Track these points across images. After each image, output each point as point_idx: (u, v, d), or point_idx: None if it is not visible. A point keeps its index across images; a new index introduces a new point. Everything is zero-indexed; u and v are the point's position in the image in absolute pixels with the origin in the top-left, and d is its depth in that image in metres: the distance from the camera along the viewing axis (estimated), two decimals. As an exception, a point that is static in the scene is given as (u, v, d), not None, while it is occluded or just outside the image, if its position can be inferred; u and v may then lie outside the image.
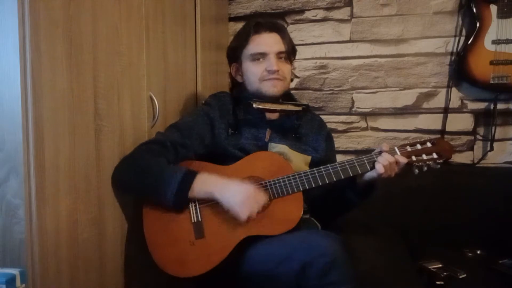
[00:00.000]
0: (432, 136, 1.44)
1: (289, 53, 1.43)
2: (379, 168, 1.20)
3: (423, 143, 1.27)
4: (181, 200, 1.19)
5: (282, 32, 1.42)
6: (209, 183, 1.20)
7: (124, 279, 1.27)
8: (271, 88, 1.38)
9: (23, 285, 0.87)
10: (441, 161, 1.26)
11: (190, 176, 1.19)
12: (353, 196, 1.31)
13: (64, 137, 1.03)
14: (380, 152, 1.24)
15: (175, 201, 1.18)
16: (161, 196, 1.19)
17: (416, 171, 1.26)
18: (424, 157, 1.25)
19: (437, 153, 1.26)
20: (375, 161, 1.23)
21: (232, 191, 1.18)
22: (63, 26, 1.02)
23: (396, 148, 1.26)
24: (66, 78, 1.03)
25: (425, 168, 1.26)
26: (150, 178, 1.20)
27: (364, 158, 1.24)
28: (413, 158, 1.25)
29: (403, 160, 1.23)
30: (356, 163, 1.24)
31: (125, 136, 1.27)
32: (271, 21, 1.45)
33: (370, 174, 1.23)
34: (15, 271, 0.86)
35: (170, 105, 1.54)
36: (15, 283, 0.85)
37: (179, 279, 1.19)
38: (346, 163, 1.24)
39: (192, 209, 1.23)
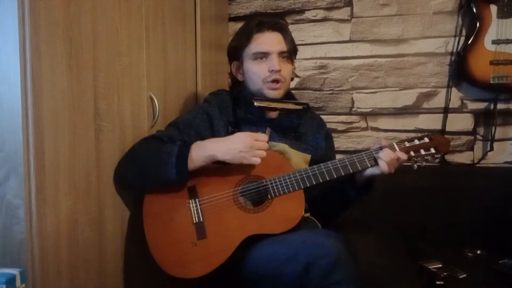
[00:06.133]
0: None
1: (291, 53, 1.42)
2: (383, 165, 1.20)
3: (420, 138, 1.28)
4: (183, 172, 1.18)
5: (284, 31, 1.42)
6: (206, 147, 1.21)
7: (124, 279, 1.27)
8: (272, 91, 1.39)
9: (23, 285, 0.87)
10: (439, 155, 1.28)
11: (185, 147, 1.21)
12: (353, 193, 1.32)
13: (64, 137, 1.03)
14: (380, 149, 1.24)
15: (177, 173, 1.17)
16: (162, 175, 1.18)
17: (415, 166, 1.27)
18: (422, 152, 1.27)
19: (434, 148, 1.27)
20: (374, 157, 1.23)
21: (232, 144, 1.20)
22: (63, 26, 1.02)
23: (395, 144, 1.27)
24: (66, 78, 1.03)
25: (424, 163, 1.27)
26: (149, 164, 1.21)
27: (364, 155, 1.24)
28: (412, 153, 1.26)
29: (403, 156, 1.23)
30: (356, 160, 1.24)
31: (125, 136, 1.27)
32: (274, 20, 1.44)
33: (372, 171, 1.24)
34: (15, 271, 0.86)
35: (170, 105, 1.54)
36: (15, 283, 0.85)
37: (180, 280, 1.19)
38: (346, 160, 1.24)
39: (194, 209, 1.23)
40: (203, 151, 1.21)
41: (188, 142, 1.31)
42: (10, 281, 0.84)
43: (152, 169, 1.20)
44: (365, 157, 1.24)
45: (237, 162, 1.21)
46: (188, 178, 1.22)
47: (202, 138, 1.35)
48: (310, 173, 1.24)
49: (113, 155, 1.22)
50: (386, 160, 1.20)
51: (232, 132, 1.36)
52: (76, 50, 1.06)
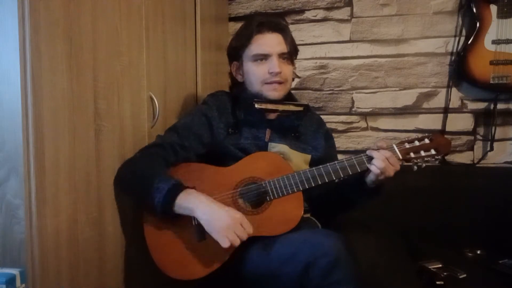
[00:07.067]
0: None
1: (291, 54, 1.42)
2: (378, 164, 1.18)
3: (421, 139, 1.27)
4: (167, 212, 1.16)
5: (285, 32, 1.41)
6: (193, 199, 1.15)
7: (124, 279, 1.27)
8: (272, 92, 1.38)
9: (23, 285, 0.87)
10: (439, 156, 1.27)
11: (176, 190, 1.15)
12: (360, 197, 1.30)
13: (64, 137, 1.03)
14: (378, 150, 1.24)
15: (162, 212, 1.16)
16: (149, 204, 1.17)
17: (415, 167, 1.26)
18: (423, 153, 1.25)
19: (435, 149, 1.26)
20: (374, 158, 1.20)
21: (216, 213, 1.13)
22: (63, 26, 1.02)
23: (394, 145, 1.26)
24: (66, 78, 1.03)
25: (424, 165, 1.26)
26: (142, 185, 1.19)
27: (363, 156, 1.23)
28: (412, 155, 1.25)
29: (397, 156, 1.22)
30: (355, 162, 1.23)
31: (125, 136, 1.27)
32: (274, 21, 1.44)
33: (369, 177, 1.22)
34: (15, 271, 0.86)
35: (170, 105, 1.54)
36: (15, 283, 0.85)
37: (180, 281, 1.19)
38: (345, 162, 1.24)
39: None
40: (187, 203, 1.15)
41: (187, 148, 1.31)
42: (10, 281, 0.84)
43: (141, 195, 1.19)
44: (364, 159, 1.23)
45: (207, 231, 1.14)
46: (172, 217, 1.19)
47: (202, 141, 1.35)
48: (309, 175, 1.23)
49: (113, 155, 1.22)
50: (379, 162, 1.18)
51: (232, 134, 1.37)
52: (76, 50, 1.06)
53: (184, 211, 1.16)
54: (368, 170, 1.21)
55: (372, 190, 1.26)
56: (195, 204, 1.15)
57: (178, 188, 1.16)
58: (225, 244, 1.10)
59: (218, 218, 1.12)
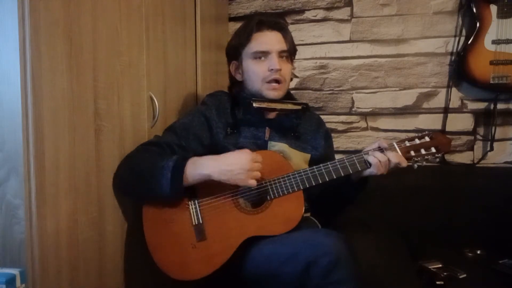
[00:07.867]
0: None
1: (291, 53, 1.42)
2: (373, 166, 1.21)
3: (421, 137, 1.28)
4: (177, 188, 1.16)
5: (284, 31, 1.41)
6: (202, 165, 1.18)
7: (124, 279, 1.27)
8: (272, 92, 1.38)
9: (23, 285, 0.86)
10: (439, 155, 1.27)
11: (181, 162, 1.18)
12: (348, 191, 1.33)
13: (64, 137, 1.03)
14: (379, 149, 1.24)
15: (171, 189, 1.16)
16: (157, 189, 1.17)
17: (415, 166, 1.27)
18: (423, 151, 1.26)
19: (435, 147, 1.26)
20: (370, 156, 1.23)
21: (230, 165, 1.17)
22: (63, 26, 1.02)
23: (395, 144, 1.26)
24: (66, 78, 1.03)
25: (424, 163, 1.26)
26: (145, 175, 1.19)
27: (363, 155, 1.24)
28: (412, 153, 1.25)
29: (395, 159, 1.22)
30: (355, 160, 1.24)
31: (125, 136, 1.27)
32: (274, 19, 1.44)
33: (368, 171, 1.24)
34: (15, 271, 0.86)
35: (170, 105, 1.54)
36: (15, 283, 0.85)
37: (180, 281, 1.19)
38: (345, 161, 1.24)
39: (193, 211, 1.23)
40: (198, 169, 1.18)
41: (186, 148, 1.31)
42: (10, 281, 0.84)
43: (146, 182, 1.19)
44: (364, 158, 1.24)
45: (233, 183, 1.18)
46: (182, 194, 1.20)
47: (201, 141, 1.35)
48: (310, 174, 1.24)
49: (113, 155, 1.22)
50: (376, 162, 1.20)
51: (231, 133, 1.36)
52: (76, 50, 1.06)
53: (198, 177, 1.18)
54: (367, 168, 1.23)
55: (358, 182, 1.29)
56: (205, 166, 1.18)
57: (183, 160, 1.18)
58: (252, 183, 1.17)
59: (232, 165, 1.17)
